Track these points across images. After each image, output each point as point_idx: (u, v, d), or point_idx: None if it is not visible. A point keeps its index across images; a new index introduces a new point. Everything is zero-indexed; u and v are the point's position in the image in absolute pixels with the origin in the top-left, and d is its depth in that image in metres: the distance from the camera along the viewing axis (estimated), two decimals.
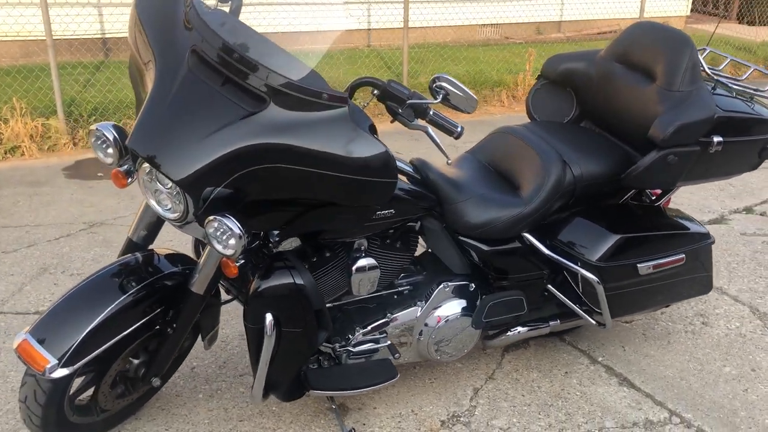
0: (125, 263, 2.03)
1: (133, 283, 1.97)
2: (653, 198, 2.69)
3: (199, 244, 2.29)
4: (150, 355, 2.13)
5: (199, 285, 2.00)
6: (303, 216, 1.90)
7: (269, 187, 1.77)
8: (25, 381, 1.96)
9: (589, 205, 2.44)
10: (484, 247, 2.33)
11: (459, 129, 1.96)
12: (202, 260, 1.98)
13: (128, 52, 2.07)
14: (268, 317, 1.92)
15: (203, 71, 1.74)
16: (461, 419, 2.40)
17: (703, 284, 2.62)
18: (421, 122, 1.99)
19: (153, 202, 1.84)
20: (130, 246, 2.14)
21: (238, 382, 2.55)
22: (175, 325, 2.07)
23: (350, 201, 1.88)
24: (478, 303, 2.38)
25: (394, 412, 2.43)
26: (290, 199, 1.84)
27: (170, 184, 1.74)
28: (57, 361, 1.84)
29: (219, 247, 1.76)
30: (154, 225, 2.13)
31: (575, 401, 2.51)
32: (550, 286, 2.50)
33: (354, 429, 2.29)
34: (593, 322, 2.51)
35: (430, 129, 1.96)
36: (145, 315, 2.00)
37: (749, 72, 2.62)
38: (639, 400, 2.53)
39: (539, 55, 7.33)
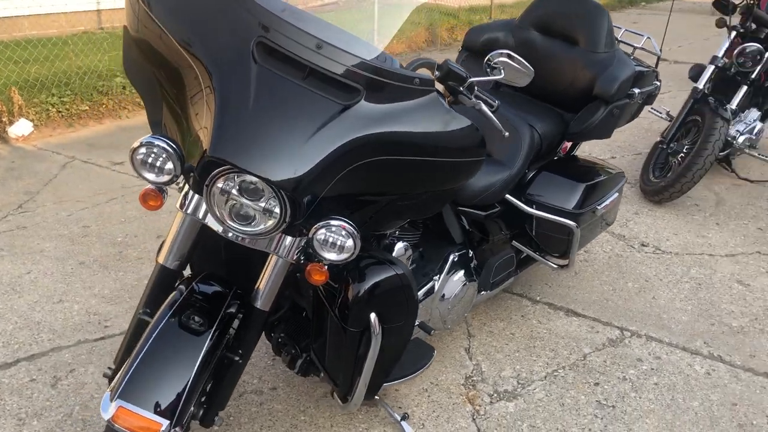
0: (184, 300, 1.73)
1: (204, 320, 1.71)
2: (567, 150, 3.06)
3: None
4: (211, 391, 1.87)
5: (266, 301, 1.81)
6: (390, 208, 1.83)
7: (369, 181, 1.68)
8: None
9: (544, 162, 2.71)
10: (482, 213, 2.45)
11: (497, 103, 2.04)
12: (266, 274, 1.79)
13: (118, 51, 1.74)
14: (373, 316, 1.82)
15: (276, 65, 1.56)
16: (476, 379, 2.52)
17: (614, 216, 3.08)
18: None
19: (214, 221, 1.63)
20: (166, 274, 1.82)
21: (269, 396, 2.33)
22: (241, 351, 1.84)
23: (445, 185, 1.85)
24: (474, 266, 2.50)
25: (418, 388, 2.45)
26: (385, 191, 1.76)
27: (263, 196, 1.54)
28: (168, 422, 1.54)
29: (330, 255, 1.63)
30: (190, 249, 1.84)
31: (549, 338, 2.80)
32: (515, 241, 2.73)
33: (407, 414, 2.27)
34: (555, 266, 2.80)
35: (483, 106, 2.00)
36: (218, 349, 1.76)
37: (644, 40, 3.10)
38: (591, 324, 2.91)
39: None
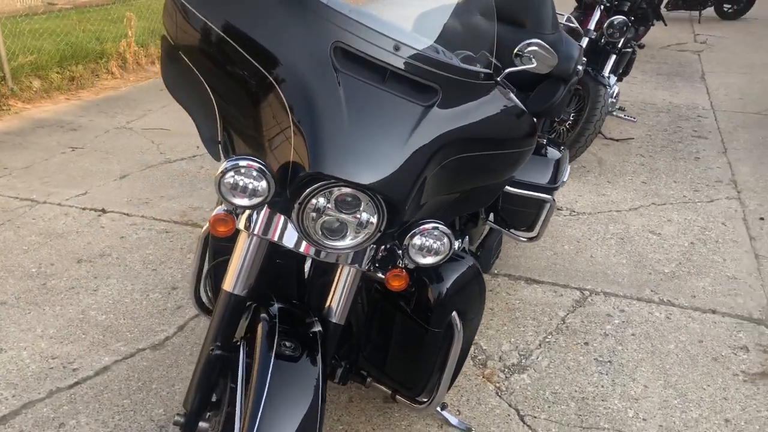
0: (285, 334, 1.60)
1: (298, 345, 1.60)
2: None
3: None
4: None
5: (341, 314, 1.73)
6: (455, 205, 1.82)
7: (447, 181, 1.67)
8: None
9: None
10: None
11: (515, 89, 2.10)
12: (338, 287, 1.71)
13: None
14: (454, 314, 1.81)
15: (356, 70, 1.51)
16: (482, 358, 2.60)
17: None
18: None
19: (290, 240, 1.55)
20: (236, 303, 1.67)
21: None
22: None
23: (506, 175, 1.87)
24: (469, 250, 2.56)
25: None
26: (457, 189, 1.76)
27: (358, 208, 1.48)
28: None
29: (426, 259, 1.61)
30: (258, 273, 1.70)
31: (525, 308, 2.94)
32: (489, 220, 2.83)
33: (445, 403, 2.29)
34: (524, 239, 2.94)
35: (512, 95, 2.04)
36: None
37: (564, 17, 3.29)
38: (553, 289, 3.11)
39: (140, 18, 6.90)
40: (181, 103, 1.71)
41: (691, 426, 2.28)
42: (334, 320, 1.71)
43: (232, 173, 1.43)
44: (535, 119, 2.90)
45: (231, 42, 1.50)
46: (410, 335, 1.86)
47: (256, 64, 1.49)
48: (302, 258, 1.98)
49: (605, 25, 4.59)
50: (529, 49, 1.99)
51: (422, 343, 1.83)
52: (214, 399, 1.73)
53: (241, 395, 1.51)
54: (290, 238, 1.59)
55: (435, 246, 1.59)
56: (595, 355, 2.64)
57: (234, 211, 1.55)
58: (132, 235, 3.45)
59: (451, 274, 1.81)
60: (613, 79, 5.00)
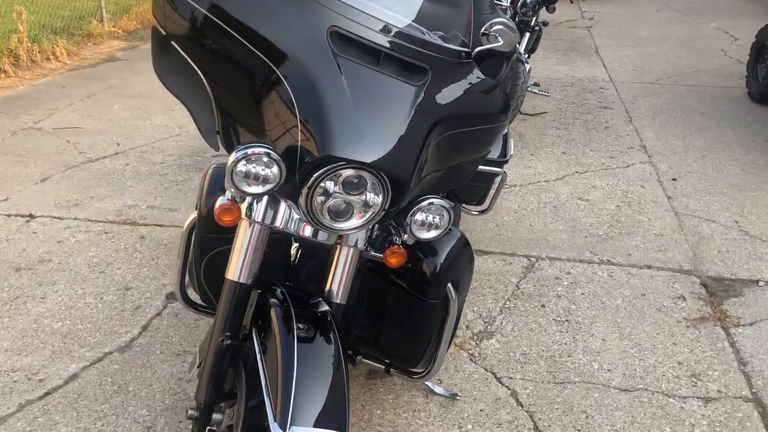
0: (303, 319, 1.61)
1: (312, 327, 1.62)
2: None
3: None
4: None
5: (344, 294, 1.77)
6: (440, 181, 1.89)
7: (438, 158, 1.74)
8: None
9: None
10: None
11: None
12: (336, 268, 1.75)
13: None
14: (449, 285, 1.88)
15: (352, 53, 1.55)
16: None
17: None
18: None
19: (291, 224, 1.59)
20: (242, 291, 1.66)
21: None
22: None
23: (485, 150, 1.95)
24: None
25: None
26: (445, 166, 1.83)
27: (363, 189, 1.53)
28: None
29: (428, 234, 1.68)
30: (264, 261, 1.70)
31: (481, 278, 3.07)
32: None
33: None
34: (476, 213, 3.05)
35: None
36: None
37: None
38: (502, 258, 3.25)
39: (31, 12, 6.51)
40: (175, 94, 1.68)
41: (650, 371, 2.48)
42: (337, 300, 1.74)
43: (243, 162, 1.44)
44: None
45: (227, 29, 1.49)
46: (407, 309, 1.92)
47: (256, 51, 1.49)
48: (288, 244, 2.00)
49: (519, 4, 4.78)
50: (495, 28, 2.07)
51: (420, 315, 1.90)
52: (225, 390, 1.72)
53: (265, 382, 1.52)
54: (292, 223, 1.62)
55: (436, 221, 1.65)
56: (553, 315, 2.80)
57: (239, 200, 1.56)
58: (69, 238, 3.30)
59: (444, 247, 1.88)
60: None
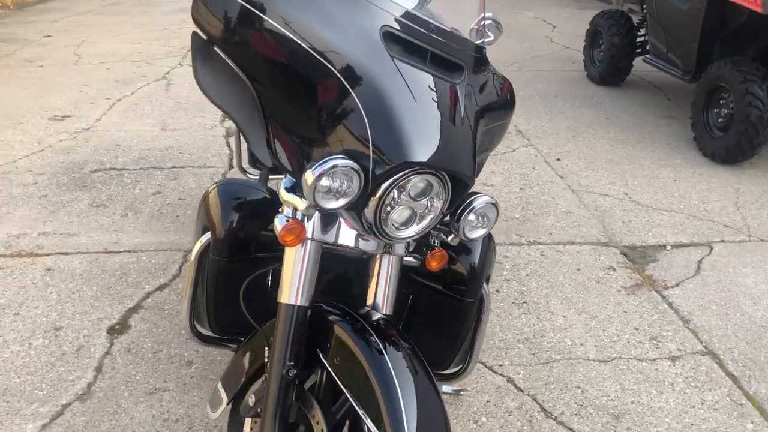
0: (373, 331, 1.52)
1: (390, 339, 1.54)
2: None
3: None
4: None
5: (390, 304, 1.70)
6: None
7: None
8: None
9: None
10: None
11: None
12: (379, 279, 1.68)
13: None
14: (484, 285, 1.87)
15: (403, 55, 1.50)
16: None
17: None
18: None
19: (350, 236, 1.54)
20: (300, 314, 1.53)
21: None
22: None
23: (498, 143, 1.95)
24: None
25: None
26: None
27: (429, 194, 1.50)
28: None
29: (478, 233, 1.67)
30: (317, 280, 1.58)
31: None
32: None
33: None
34: None
35: None
36: None
37: None
38: None
39: None
40: (220, 107, 1.50)
41: (616, 341, 2.65)
42: (383, 312, 1.67)
43: (326, 177, 1.33)
44: None
45: (279, 28, 1.36)
46: (441, 311, 1.88)
47: (312, 52, 1.38)
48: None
49: None
50: (485, 23, 2.08)
51: (457, 315, 1.86)
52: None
53: (357, 403, 1.43)
54: (347, 237, 1.55)
55: (486, 218, 1.63)
56: (510, 299, 2.89)
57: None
58: None
59: (476, 244, 1.86)
60: None
